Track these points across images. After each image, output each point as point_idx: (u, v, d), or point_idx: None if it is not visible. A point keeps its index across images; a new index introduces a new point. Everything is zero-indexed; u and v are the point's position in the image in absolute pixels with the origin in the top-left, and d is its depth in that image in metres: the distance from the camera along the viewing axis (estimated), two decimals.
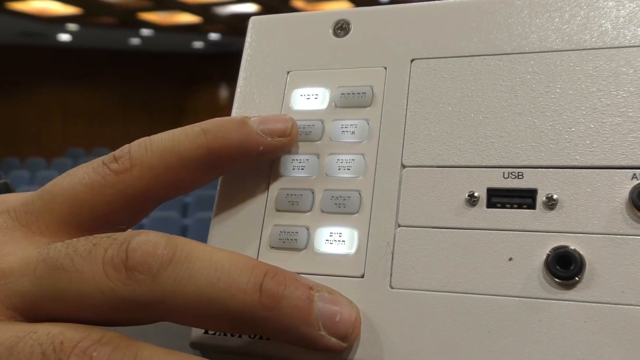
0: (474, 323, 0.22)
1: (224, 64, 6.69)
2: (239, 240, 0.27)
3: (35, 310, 0.21)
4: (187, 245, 0.22)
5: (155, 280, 0.21)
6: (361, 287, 0.24)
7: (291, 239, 0.26)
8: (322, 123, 0.27)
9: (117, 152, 0.25)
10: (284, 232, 0.26)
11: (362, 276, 0.24)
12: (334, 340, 0.22)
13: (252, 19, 0.31)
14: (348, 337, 0.23)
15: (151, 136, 0.25)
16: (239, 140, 0.25)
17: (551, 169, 0.24)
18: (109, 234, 0.22)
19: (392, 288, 0.24)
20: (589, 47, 0.25)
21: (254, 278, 0.21)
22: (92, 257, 0.21)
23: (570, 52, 0.25)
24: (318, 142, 0.27)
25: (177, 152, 0.24)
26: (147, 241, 0.21)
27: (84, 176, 0.24)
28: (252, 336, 0.24)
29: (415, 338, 0.23)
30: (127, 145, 0.25)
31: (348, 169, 0.26)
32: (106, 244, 0.21)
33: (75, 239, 0.22)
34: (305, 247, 0.26)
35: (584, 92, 0.24)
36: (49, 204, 0.24)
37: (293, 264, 0.25)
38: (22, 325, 0.21)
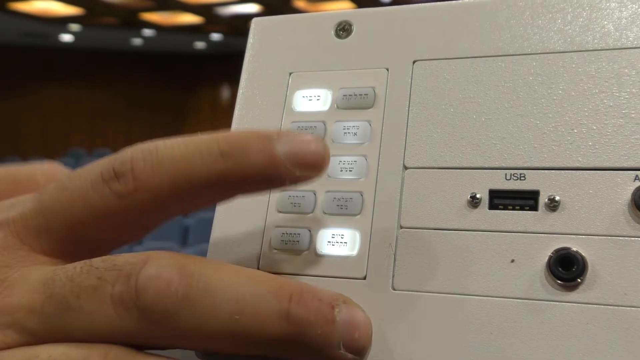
0: (476, 325, 0.22)
1: (225, 64, 6.69)
2: (241, 241, 0.27)
3: (44, 342, 0.20)
4: (202, 275, 0.20)
5: (171, 320, 0.19)
6: (363, 289, 0.24)
7: (293, 241, 0.26)
8: (324, 124, 0.27)
9: (118, 164, 0.21)
10: (286, 233, 0.26)
11: (364, 278, 0.24)
12: (350, 356, 0.22)
13: (254, 20, 0.31)
14: (363, 352, 0.22)
15: (157, 145, 0.22)
16: (262, 171, 0.21)
17: (553, 171, 0.24)
18: (112, 260, 0.20)
19: (394, 290, 0.24)
20: (591, 49, 0.25)
21: (278, 305, 0.20)
22: (100, 295, 0.20)
23: (572, 53, 0.25)
24: None
25: (189, 176, 0.21)
26: (158, 277, 0.20)
27: (83, 194, 0.22)
28: None
29: (417, 340, 0.23)
30: (129, 154, 0.22)
31: (350, 171, 0.26)
32: (111, 279, 0.20)
33: (77, 269, 0.20)
34: (307, 249, 0.26)
35: (586, 94, 0.24)
36: (48, 224, 0.22)
37: (295, 265, 0.25)
38: (24, 349, 0.20)
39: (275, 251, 0.26)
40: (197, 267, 0.20)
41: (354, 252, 0.25)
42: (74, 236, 0.22)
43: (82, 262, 0.21)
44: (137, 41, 7.55)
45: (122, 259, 0.20)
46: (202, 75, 8.14)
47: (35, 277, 0.21)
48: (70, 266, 0.21)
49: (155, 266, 0.20)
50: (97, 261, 0.21)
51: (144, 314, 0.19)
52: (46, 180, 0.27)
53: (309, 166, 0.22)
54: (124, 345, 0.20)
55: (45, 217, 0.22)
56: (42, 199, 0.22)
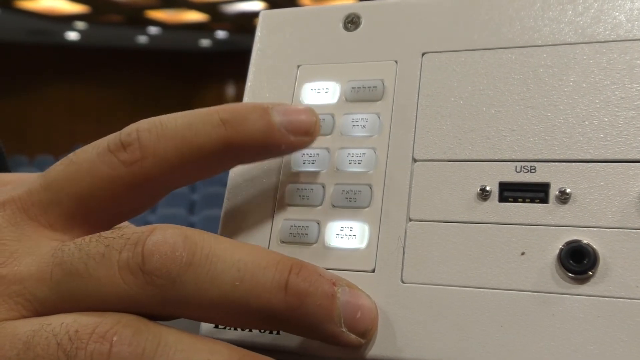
0: (486, 318, 0.22)
1: (231, 61, 6.69)
2: (250, 234, 0.27)
3: (54, 312, 0.20)
4: (206, 243, 0.21)
5: (175, 285, 0.20)
6: (372, 282, 0.24)
7: (302, 234, 0.26)
8: (333, 117, 0.27)
9: (124, 135, 0.22)
10: (295, 226, 0.26)
11: (373, 270, 0.24)
12: (353, 336, 0.22)
13: (262, 13, 0.31)
14: (367, 334, 0.22)
15: (161, 118, 0.23)
16: (260, 136, 0.23)
17: (564, 163, 0.23)
18: (120, 231, 0.21)
19: (403, 282, 0.24)
20: (602, 40, 0.24)
21: (278, 276, 0.21)
22: (106, 261, 0.20)
23: (583, 44, 0.25)
24: (328, 136, 0.27)
25: (193, 143, 0.23)
26: (163, 242, 0.20)
27: (90, 166, 0.22)
28: (266, 331, 0.24)
29: (426, 333, 0.23)
30: (135, 127, 0.23)
31: (359, 163, 0.26)
32: (119, 246, 0.20)
33: (87, 239, 0.21)
34: (316, 242, 0.25)
35: (597, 85, 0.24)
36: (56, 197, 0.22)
37: (303, 258, 0.25)
38: (36, 319, 0.20)
39: (283, 244, 0.26)
40: (201, 236, 0.21)
41: (363, 245, 0.25)
42: (82, 209, 0.22)
43: (90, 235, 0.21)
44: (142, 39, 7.56)
45: (130, 230, 0.21)
46: (208, 72, 8.15)
47: (44, 249, 0.21)
48: (79, 239, 0.21)
49: (161, 234, 0.20)
50: (105, 232, 0.21)
51: (149, 278, 0.20)
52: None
53: (302, 132, 0.24)
54: (126, 308, 0.20)
55: (53, 191, 0.22)
56: (49, 175, 0.23)
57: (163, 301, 0.20)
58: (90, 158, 0.22)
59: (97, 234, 0.21)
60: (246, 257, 0.21)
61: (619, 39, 0.24)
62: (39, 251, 0.21)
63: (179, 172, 0.23)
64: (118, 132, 0.23)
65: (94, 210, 0.23)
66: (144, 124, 0.23)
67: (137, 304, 0.20)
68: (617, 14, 0.25)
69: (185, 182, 0.24)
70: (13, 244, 0.21)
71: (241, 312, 0.21)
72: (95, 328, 0.19)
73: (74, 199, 0.22)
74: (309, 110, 0.25)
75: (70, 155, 0.23)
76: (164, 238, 0.20)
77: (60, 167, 0.23)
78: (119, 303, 0.20)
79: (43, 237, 0.22)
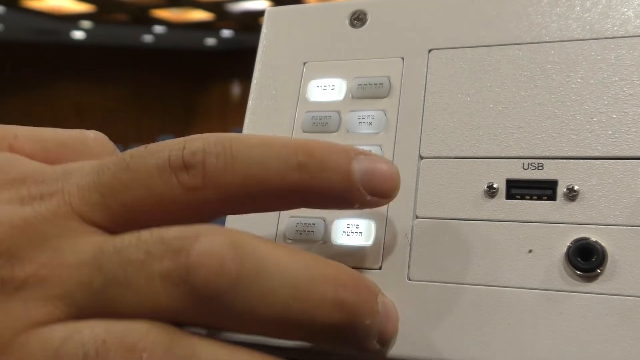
0: (493, 315, 0.22)
1: (236, 60, 6.70)
2: (255, 231, 0.26)
3: (89, 316, 0.19)
4: (258, 255, 0.19)
5: (222, 301, 0.18)
6: (378, 279, 0.24)
7: (308, 231, 0.25)
8: (339, 114, 0.27)
9: (188, 154, 0.20)
10: (301, 223, 0.26)
11: (380, 268, 0.24)
12: (378, 347, 0.22)
13: (267, 10, 0.31)
14: (390, 344, 0.22)
15: (232, 142, 0.21)
16: (336, 191, 0.21)
17: (572, 160, 0.23)
18: (160, 236, 0.19)
19: (409, 280, 0.24)
20: (610, 36, 0.24)
21: (334, 293, 0.20)
22: (147, 270, 0.19)
23: (591, 41, 0.24)
24: (335, 133, 0.27)
25: (261, 183, 0.20)
26: (210, 254, 0.18)
27: (146, 178, 0.21)
28: None
29: (433, 330, 0.23)
30: (202, 145, 0.21)
31: None
32: (159, 253, 0.19)
33: (126, 241, 0.20)
34: (322, 239, 0.25)
35: (605, 82, 0.24)
36: (106, 201, 0.21)
37: None
38: (71, 324, 0.19)
39: (289, 241, 0.26)
40: (251, 245, 0.19)
41: (369, 243, 0.25)
42: (130, 215, 0.21)
43: (130, 233, 0.20)
44: (148, 38, 7.57)
45: (170, 233, 0.19)
46: (213, 71, 8.15)
47: (86, 249, 0.20)
48: (119, 238, 0.20)
49: (207, 242, 0.19)
50: (145, 233, 0.20)
51: (193, 293, 0.18)
52: (99, 148, 0.26)
53: (380, 194, 0.22)
54: (167, 323, 0.19)
55: (103, 194, 0.21)
56: (103, 175, 0.21)
57: (205, 315, 0.19)
58: (148, 169, 0.21)
59: (137, 234, 0.20)
60: (300, 271, 0.19)
61: (627, 35, 0.24)
62: (81, 250, 0.20)
63: (239, 205, 0.21)
64: (182, 144, 0.21)
65: (142, 220, 0.21)
66: (212, 145, 0.20)
67: (176, 315, 0.19)
68: (625, 9, 0.24)
69: (241, 213, 0.23)
70: (56, 241, 0.20)
71: (291, 329, 0.19)
72: (124, 338, 0.18)
73: (124, 206, 0.21)
74: (395, 173, 0.22)
75: (126, 157, 0.21)
76: (211, 248, 0.19)
77: (116, 171, 0.21)
78: (157, 313, 0.19)
79: (86, 233, 0.21)
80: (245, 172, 0.20)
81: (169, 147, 0.21)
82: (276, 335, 0.20)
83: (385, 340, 0.22)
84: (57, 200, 0.21)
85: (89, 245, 0.20)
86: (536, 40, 0.25)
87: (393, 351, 0.23)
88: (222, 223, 0.27)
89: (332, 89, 0.28)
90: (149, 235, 0.20)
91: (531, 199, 0.23)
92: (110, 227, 0.21)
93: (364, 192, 0.21)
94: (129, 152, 0.22)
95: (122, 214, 0.21)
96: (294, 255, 0.20)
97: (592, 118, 0.23)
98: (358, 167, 0.21)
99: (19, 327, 0.19)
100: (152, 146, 0.21)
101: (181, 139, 0.21)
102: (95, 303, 0.19)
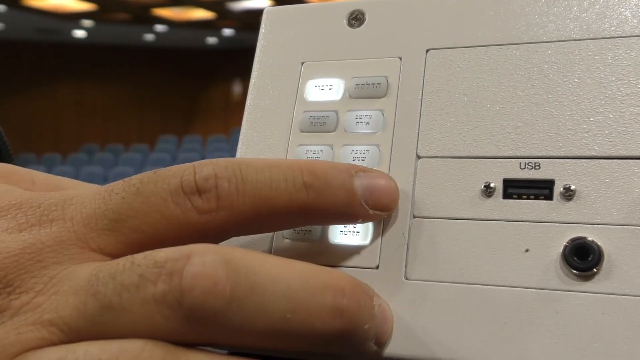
0: (489, 315, 0.22)
1: (237, 59, 6.70)
2: None
3: (84, 339, 0.19)
4: (250, 270, 0.19)
5: (218, 321, 0.19)
6: (375, 279, 0.24)
7: (305, 230, 0.26)
8: (337, 114, 0.27)
9: (201, 180, 0.21)
10: None
11: (377, 267, 0.24)
12: (375, 348, 0.22)
13: (266, 10, 0.31)
14: (385, 346, 0.23)
15: (241, 166, 0.22)
16: (341, 208, 0.22)
17: (569, 160, 0.23)
18: (153, 259, 0.19)
19: (406, 279, 0.24)
20: (608, 36, 0.24)
21: (332, 301, 0.20)
22: (141, 294, 0.19)
23: (588, 41, 0.24)
24: (332, 133, 0.27)
25: (271, 203, 0.21)
26: (203, 275, 0.19)
27: (159, 203, 0.21)
28: None
29: (430, 330, 0.23)
30: (213, 171, 0.21)
31: (362, 160, 0.26)
32: (153, 276, 0.19)
33: (120, 265, 0.20)
34: (320, 238, 0.25)
35: (602, 82, 0.24)
36: (116, 227, 0.21)
37: (307, 254, 0.25)
38: (64, 347, 0.19)
39: (287, 241, 0.26)
40: (244, 261, 0.19)
41: (367, 242, 0.25)
42: (142, 241, 0.21)
43: (124, 258, 0.20)
44: (149, 37, 7.58)
45: (163, 254, 0.19)
46: (214, 70, 8.16)
47: (82, 275, 0.20)
48: (113, 262, 0.20)
49: (199, 263, 0.19)
50: (138, 257, 0.20)
51: (189, 314, 0.19)
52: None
53: (381, 208, 0.24)
54: (161, 341, 0.19)
55: (113, 220, 0.21)
56: (110, 202, 0.21)
57: (202, 334, 0.19)
58: (160, 194, 0.21)
59: (131, 257, 0.20)
60: (295, 282, 0.19)
61: (624, 35, 0.24)
62: (78, 277, 0.20)
63: (248, 226, 0.22)
64: (193, 169, 0.21)
65: (153, 244, 0.21)
66: (222, 170, 0.21)
67: (173, 335, 0.19)
68: (622, 9, 0.24)
69: (253, 232, 0.24)
70: (54, 267, 0.20)
71: (291, 340, 0.19)
72: (119, 356, 0.18)
73: (136, 233, 0.21)
74: (393, 187, 0.24)
75: (135, 182, 0.22)
76: (204, 269, 0.19)
77: (124, 195, 0.21)
78: (153, 335, 0.19)
79: (85, 259, 0.21)
80: (256, 194, 0.21)
81: (180, 172, 0.21)
82: (275, 347, 0.20)
83: (382, 342, 0.22)
84: (58, 227, 0.21)
85: (86, 271, 0.20)
86: (534, 40, 0.25)
87: (389, 350, 0.23)
88: None
89: (330, 89, 0.28)
90: (142, 259, 0.20)
91: (528, 198, 0.23)
92: (117, 253, 0.21)
93: (366, 207, 0.23)
94: (136, 177, 0.22)
95: (133, 239, 0.21)
96: (288, 266, 0.20)
97: (589, 118, 0.23)
98: (359, 183, 0.23)
99: (14, 353, 0.19)
100: (162, 171, 0.22)
101: (189, 164, 0.22)
102: (91, 328, 0.19)
